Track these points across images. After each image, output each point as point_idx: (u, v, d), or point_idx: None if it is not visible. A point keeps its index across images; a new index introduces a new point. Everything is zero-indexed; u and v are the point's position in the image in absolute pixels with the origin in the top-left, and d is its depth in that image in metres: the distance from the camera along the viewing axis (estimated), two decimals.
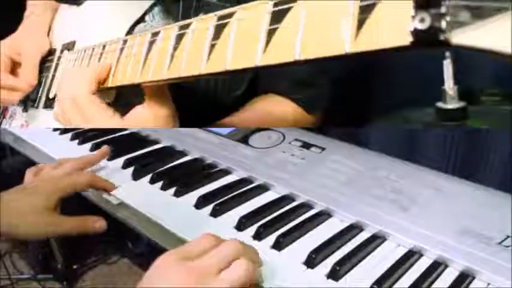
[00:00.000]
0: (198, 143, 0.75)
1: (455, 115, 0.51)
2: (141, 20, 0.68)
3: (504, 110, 0.59)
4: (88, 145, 0.78)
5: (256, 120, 0.68)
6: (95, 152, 0.73)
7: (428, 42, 0.28)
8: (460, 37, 0.27)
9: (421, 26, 0.28)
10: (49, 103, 0.78)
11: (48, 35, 0.80)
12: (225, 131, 0.76)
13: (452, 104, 0.51)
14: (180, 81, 0.47)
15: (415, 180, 0.61)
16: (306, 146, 0.70)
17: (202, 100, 0.69)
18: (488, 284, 0.48)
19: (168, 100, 0.53)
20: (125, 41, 0.55)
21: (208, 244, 0.46)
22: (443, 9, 0.28)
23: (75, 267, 1.50)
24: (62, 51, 0.74)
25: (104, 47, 0.59)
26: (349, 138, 0.73)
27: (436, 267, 0.50)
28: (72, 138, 0.80)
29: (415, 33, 0.29)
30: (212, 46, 0.42)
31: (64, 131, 0.82)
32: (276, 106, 0.71)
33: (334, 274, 0.48)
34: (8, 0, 0.78)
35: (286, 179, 0.64)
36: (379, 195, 0.59)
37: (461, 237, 0.52)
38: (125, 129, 0.83)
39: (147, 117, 0.52)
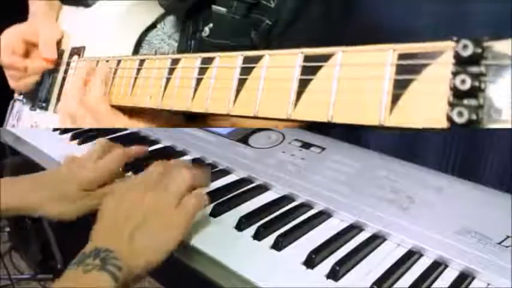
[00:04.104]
0: (198, 143, 0.75)
1: None
2: (152, 27, 0.67)
3: None
4: (88, 145, 0.77)
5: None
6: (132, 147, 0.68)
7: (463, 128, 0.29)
8: (493, 126, 0.28)
9: (459, 120, 0.29)
10: None
11: None
12: (225, 131, 0.76)
13: None
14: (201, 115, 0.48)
15: (415, 180, 0.61)
16: (306, 146, 0.70)
17: None
18: (488, 284, 0.48)
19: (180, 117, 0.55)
20: (142, 61, 0.55)
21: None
22: (480, 101, 0.28)
23: None
24: (71, 55, 0.73)
25: (119, 62, 0.58)
26: (349, 138, 0.73)
27: (436, 267, 0.50)
28: (72, 138, 0.80)
29: (451, 120, 0.29)
30: (239, 89, 0.42)
31: (64, 131, 0.82)
32: None
33: (334, 274, 0.48)
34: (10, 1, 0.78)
35: (286, 179, 0.64)
36: (379, 195, 0.59)
37: (461, 237, 0.52)
38: (125, 129, 0.83)
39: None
